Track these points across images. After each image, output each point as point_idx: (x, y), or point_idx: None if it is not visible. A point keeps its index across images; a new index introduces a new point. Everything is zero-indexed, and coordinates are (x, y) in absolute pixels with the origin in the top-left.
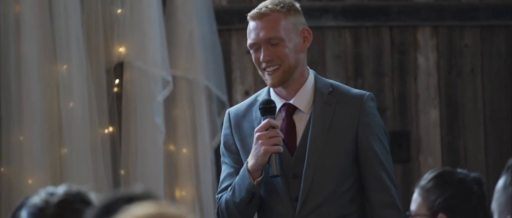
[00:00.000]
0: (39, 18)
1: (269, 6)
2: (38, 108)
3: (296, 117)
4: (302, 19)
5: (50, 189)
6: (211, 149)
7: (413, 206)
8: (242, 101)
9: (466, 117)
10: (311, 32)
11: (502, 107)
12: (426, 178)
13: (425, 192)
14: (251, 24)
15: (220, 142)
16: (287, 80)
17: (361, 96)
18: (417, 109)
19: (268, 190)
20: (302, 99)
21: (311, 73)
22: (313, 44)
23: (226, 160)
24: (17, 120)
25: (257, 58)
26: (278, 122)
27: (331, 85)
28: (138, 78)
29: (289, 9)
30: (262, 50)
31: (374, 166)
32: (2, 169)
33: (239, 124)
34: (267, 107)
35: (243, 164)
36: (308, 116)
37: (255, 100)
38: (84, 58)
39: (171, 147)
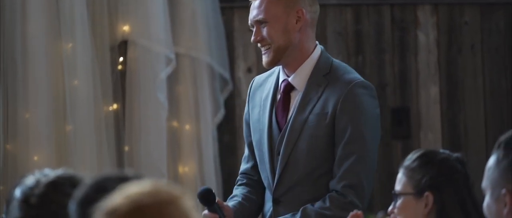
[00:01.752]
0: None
1: None
2: (44, 86)
3: (293, 94)
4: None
5: (47, 171)
6: (214, 125)
7: (398, 186)
8: (244, 78)
9: (466, 93)
10: (304, 12)
11: (501, 83)
12: (410, 158)
13: (410, 171)
14: (251, 5)
15: (222, 119)
16: (278, 60)
17: (348, 83)
18: (417, 85)
19: (259, 161)
20: (299, 77)
21: (317, 51)
22: None
23: (244, 129)
24: (22, 98)
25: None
26: (278, 96)
27: (331, 66)
28: (142, 56)
29: None
30: (254, 30)
31: (341, 152)
32: (8, 146)
33: (255, 93)
34: (205, 199)
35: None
36: (301, 95)
37: (274, 71)
38: (89, 37)
39: (174, 124)
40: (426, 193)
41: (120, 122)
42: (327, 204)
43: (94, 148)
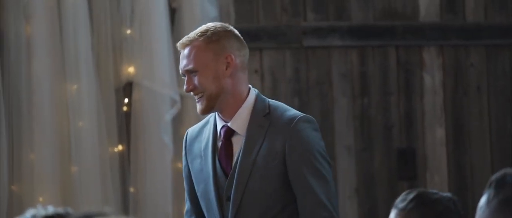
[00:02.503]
0: (49, 39)
1: (191, 36)
2: (49, 127)
3: (234, 139)
4: (228, 44)
5: (33, 211)
6: None
7: None
8: None
9: (472, 134)
10: (233, 57)
11: (507, 125)
12: (404, 199)
13: (407, 213)
14: (180, 55)
15: None
16: (212, 107)
17: (291, 120)
18: (423, 127)
19: (207, 211)
20: (239, 121)
21: (252, 94)
22: (320, 62)
23: (185, 183)
24: (27, 138)
25: None
26: (219, 144)
27: (270, 107)
28: (147, 98)
29: (210, 37)
30: (185, 80)
31: (302, 192)
32: (13, 187)
33: (192, 144)
34: None
35: (193, 187)
36: (243, 138)
37: (208, 121)
38: (94, 78)
39: (179, 165)
40: None
41: (125, 163)
42: None
43: (99, 189)
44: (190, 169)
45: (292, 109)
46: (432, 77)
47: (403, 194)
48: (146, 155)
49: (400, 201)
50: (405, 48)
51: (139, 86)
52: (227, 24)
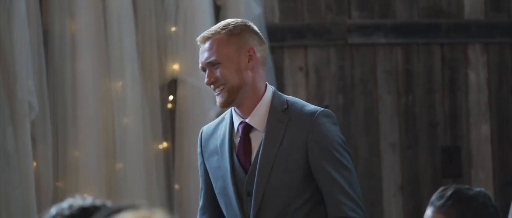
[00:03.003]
0: (94, 36)
1: (212, 30)
2: (93, 124)
3: (252, 135)
4: (250, 38)
5: (89, 198)
6: None
7: None
8: None
9: None
10: (255, 51)
11: None
12: (441, 196)
13: (446, 210)
14: (200, 48)
15: None
16: (233, 99)
17: (312, 114)
18: (468, 124)
19: (226, 207)
20: (257, 117)
21: (269, 91)
22: (364, 60)
23: (200, 181)
24: (72, 136)
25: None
26: (236, 140)
27: (287, 102)
28: (191, 95)
29: (232, 30)
30: (206, 73)
31: (326, 184)
32: (58, 184)
33: (207, 142)
34: None
35: (211, 184)
36: (263, 134)
37: (223, 118)
38: (138, 75)
39: None
40: None
41: (169, 160)
42: None
43: (143, 186)
44: (207, 166)
45: (309, 104)
46: (477, 75)
47: (439, 191)
48: (191, 152)
49: (437, 199)
50: (450, 45)
51: (183, 83)
52: (246, 20)
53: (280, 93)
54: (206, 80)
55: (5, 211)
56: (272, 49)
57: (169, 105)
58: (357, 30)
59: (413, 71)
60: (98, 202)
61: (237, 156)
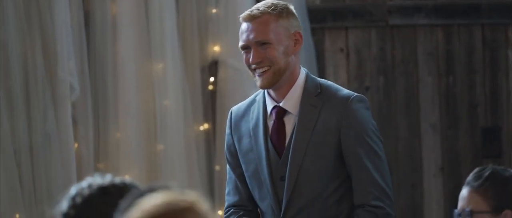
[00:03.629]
0: (135, 18)
1: (261, 9)
2: (134, 106)
3: (286, 119)
4: (295, 22)
5: (109, 176)
6: None
7: (471, 205)
8: None
9: None
10: (302, 35)
11: None
12: (478, 176)
13: (484, 190)
14: (243, 26)
15: None
16: (276, 81)
17: (346, 99)
18: (508, 105)
19: (258, 190)
20: (291, 101)
21: (302, 74)
22: (405, 41)
23: (228, 162)
24: (114, 117)
25: (247, 60)
26: (270, 123)
27: (321, 86)
28: (232, 76)
29: (280, 12)
30: (251, 52)
31: (356, 170)
32: (99, 165)
33: (238, 124)
34: None
35: (241, 166)
36: (296, 117)
37: (254, 100)
38: (179, 57)
39: None
40: (505, 211)
41: (210, 141)
42: None
43: (184, 167)
44: (237, 148)
45: (343, 88)
46: None
47: (475, 171)
48: None
49: (474, 179)
50: (491, 26)
51: (224, 65)
52: (287, 3)
53: (313, 76)
54: (250, 59)
55: (46, 193)
56: (313, 31)
57: (210, 87)
58: (398, 11)
59: (453, 52)
60: (117, 180)
61: (270, 140)
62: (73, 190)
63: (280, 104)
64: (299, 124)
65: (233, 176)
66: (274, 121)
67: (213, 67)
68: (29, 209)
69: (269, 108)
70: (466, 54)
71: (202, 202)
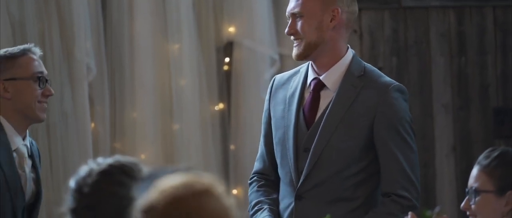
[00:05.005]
0: (151, 0)
1: None
2: (151, 86)
3: (323, 93)
4: None
5: (99, 160)
6: None
7: (477, 183)
8: None
9: None
10: (339, 12)
11: None
12: (488, 156)
13: (491, 169)
14: None
15: None
16: (309, 55)
17: (386, 86)
18: None
19: (281, 158)
20: (332, 77)
21: (350, 53)
22: (418, 22)
23: (262, 127)
24: (130, 97)
25: None
26: (307, 95)
27: (365, 69)
28: (247, 57)
29: None
30: (289, 22)
31: (386, 158)
32: (116, 145)
33: (277, 91)
34: None
35: (272, 135)
36: (334, 94)
37: (298, 70)
38: (195, 38)
39: None
40: (509, 192)
41: (225, 121)
42: (391, 208)
43: (200, 147)
44: (272, 114)
45: (386, 76)
46: None
47: (487, 151)
48: (246, 113)
49: (484, 158)
50: (502, 8)
51: (239, 46)
52: None
53: (360, 59)
54: (286, 30)
55: (63, 173)
56: None
57: (225, 67)
58: None
59: (465, 34)
60: (112, 160)
61: (303, 110)
62: (73, 184)
63: (321, 77)
64: (335, 100)
65: (263, 143)
66: (310, 93)
67: (228, 48)
68: (46, 188)
69: (309, 79)
70: (478, 36)
71: (218, 185)
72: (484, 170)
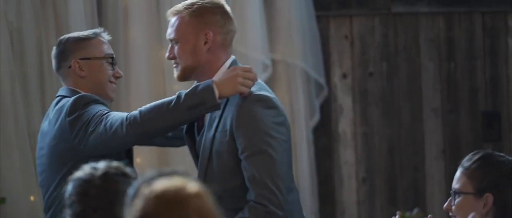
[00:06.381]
0: (146, 6)
1: (178, 7)
2: (145, 90)
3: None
4: (210, 20)
5: (93, 164)
6: (308, 129)
7: (458, 185)
8: (340, 84)
9: None
10: (211, 35)
11: None
12: (470, 159)
13: (471, 172)
14: None
15: (317, 122)
16: (188, 77)
17: (242, 99)
18: (508, 91)
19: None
20: None
21: (225, 68)
22: (408, 28)
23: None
24: (125, 102)
25: None
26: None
27: None
28: (239, 62)
29: (194, 11)
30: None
31: (245, 168)
32: None
33: None
34: None
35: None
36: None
37: None
38: None
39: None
40: (486, 194)
41: None
42: (246, 214)
43: None
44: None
45: (261, 86)
46: None
47: (471, 154)
48: None
49: (466, 161)
50: (491, 14)
51: (232, 51)
52: (220, 1)
53: None
54: (166, 54)
55: None
56: (318, 19)
57: None
58: (400, 0)
59: (454, 39)
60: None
61: (196, 124)
62: (76, 188)
63: None
64: (209, 120)
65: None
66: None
67: None
68: None
69: None
70: (467, 41)
71: (206, 189)
72: (465, 172)
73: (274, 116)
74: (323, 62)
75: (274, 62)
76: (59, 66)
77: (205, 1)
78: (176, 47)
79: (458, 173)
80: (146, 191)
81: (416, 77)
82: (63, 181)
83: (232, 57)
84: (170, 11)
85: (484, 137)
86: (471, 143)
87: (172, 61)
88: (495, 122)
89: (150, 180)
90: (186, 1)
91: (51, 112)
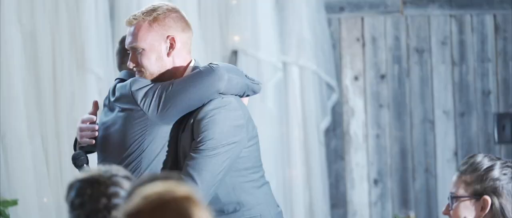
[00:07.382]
0: None
1: (137, 14)
2: None
3: None
4: (172, 26)
5: (99, 167)
6: (320, 131)
7: (455, 189)
8: (351, 86)
9: None
10: (176, 40)
11: None
12: (465, 162)
13: (468, 176)
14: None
15: (328, 124)
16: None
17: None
18: None
19: None
20: None
21: (189, 69)
22: (419, 30)
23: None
24: None
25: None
26: None
27: None
28: (251, 65)
29: (156, 17)
30: (130, 56)
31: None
32: None
33: None
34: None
35: None
36: None
37: None
38: (201, 47)
39: (283, 129)
40: (483, 197)
41: None
42: None
43: None
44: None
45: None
46: None
47: (466, 157)
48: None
49: (462, 165)
50: (503, 16)
51: (244, 54)
52: (175, 6)
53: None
54: (128, 63)
55: (71, 174)
56: (329, 21)
57: None
58: (413, 2)
59: (466, 41)
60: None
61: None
62: (86, 191)
63: None
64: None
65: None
66: None
67: (233, 56)
68: (56, 193)
69: None
70: (479, 43)
71: (196, 193)
72: (461, 176)
73: (233, 119)
74: (335, 65)
75: (286, 64)
76: None
77: (163, 7)
78: (140, 56)
79: (454, 177)
80: (137, 191)
81: (427, 79)
82: None
83: (194, 66)
84: (128, 20)
85: (496, 139)
86: (483, 145)
87: (135, 69)
88: (507, 124)
89: (144, 183)
90: (142, 9)
91: None
